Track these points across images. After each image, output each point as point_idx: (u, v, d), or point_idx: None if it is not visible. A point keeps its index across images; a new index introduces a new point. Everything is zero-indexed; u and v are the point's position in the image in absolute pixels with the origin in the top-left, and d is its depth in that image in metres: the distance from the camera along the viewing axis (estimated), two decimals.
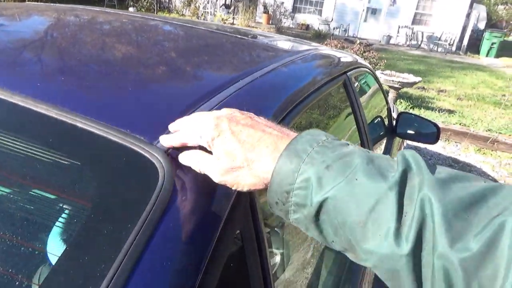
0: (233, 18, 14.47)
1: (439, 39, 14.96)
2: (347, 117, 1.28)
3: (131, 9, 12.44)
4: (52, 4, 1.27)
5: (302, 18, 16.45)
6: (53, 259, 0.41)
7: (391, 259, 0.36)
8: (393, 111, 2.25)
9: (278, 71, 0.83)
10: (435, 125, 1.93)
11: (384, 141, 1.85)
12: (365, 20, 16.00)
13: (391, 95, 5.71)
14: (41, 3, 1.27)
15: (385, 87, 5.45)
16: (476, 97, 7.47)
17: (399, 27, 15.47)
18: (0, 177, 0.51)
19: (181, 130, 0.48)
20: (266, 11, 15.72)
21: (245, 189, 0.45)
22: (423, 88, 7.60)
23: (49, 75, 0.63)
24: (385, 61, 6.87)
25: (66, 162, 0.49)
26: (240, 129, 0.45)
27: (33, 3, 1.30)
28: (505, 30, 18.19)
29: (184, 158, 0.47)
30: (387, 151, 1.83)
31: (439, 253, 0.33)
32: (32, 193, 0.49)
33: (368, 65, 1.71)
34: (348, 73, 1.25)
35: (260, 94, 0.70)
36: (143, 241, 0.39)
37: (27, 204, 0.47)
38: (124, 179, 0.45)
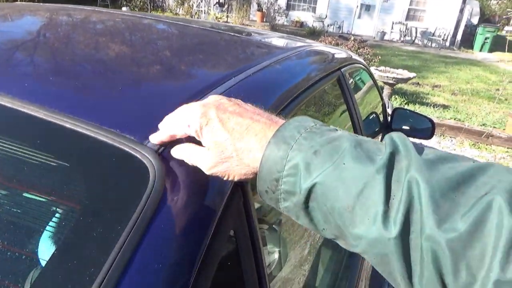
0: (227, 16, 14.43)
1: (433, 35, 15.01)
2: (341, 114, 1.28)
3: (124, 8, 12.38)
4: (43, 4, 1.26)
5: (296, 15, 16.45)
6: (44, 263, 0.41)
7: (379, 243, 0.35)
8: (388, 107, 2.25)
9: (271, 68, 0.82)
10: (430, 120, 1.93)
11: (379, 137, 1.85)
12: (359, 17, 16.02)
13: (386, 91, 5.72)
14: (32, 3, 1.26)
15: (380, 83, 5.46)
16: (470, 92, 7.52)
17: (393, 23, 15.51)
18: None
19: (169, 123, 0.48)
20: (260, 9, 15.70)
21: (236, 178, 0.45)
22: (418, 83, 7.63)
23: (38, 75, 0.62)
24: (380, 57, 6.89)
25: (55, 164, 0.49)
26: (228, 117, 0.44)
27: (24, 3, 1.29)
28: (498, 25, 18.32)
29: (176, 152, 0.47)
30: None
31: (426, 234, 0.33)
32: (20, 196, 0.48)
33: (362, 61, 1.71)
34: (342, 69, 1.24)
35: (254, 91, 0.69)
36: (135, 242, 0.38)
37: (14, 208, 0.46)
38: (115, 180, 0.45)
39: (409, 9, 15.40)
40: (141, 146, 0.46)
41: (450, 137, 5.02)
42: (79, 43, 0.83)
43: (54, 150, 0.49)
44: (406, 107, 5.73)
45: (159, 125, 0.49)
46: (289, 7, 16.70)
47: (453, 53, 13.76)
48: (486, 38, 14.72)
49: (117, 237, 0.38)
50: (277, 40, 1.32)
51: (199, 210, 0.45)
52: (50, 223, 0.45)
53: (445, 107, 6.16)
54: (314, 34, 13.30)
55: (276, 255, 0.78)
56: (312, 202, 0.39)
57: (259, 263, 0.56)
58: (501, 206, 0.31)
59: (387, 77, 5.58)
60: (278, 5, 16.22)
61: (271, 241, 0.78)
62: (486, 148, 4.80)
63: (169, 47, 0.94)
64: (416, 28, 15.18)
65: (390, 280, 0.38)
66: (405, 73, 5.90)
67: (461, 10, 14.74)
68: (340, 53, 1.43)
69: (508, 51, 6.86)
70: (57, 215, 0.45)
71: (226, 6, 15.03)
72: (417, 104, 6.05)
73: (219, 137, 0.43)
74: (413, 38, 15.31)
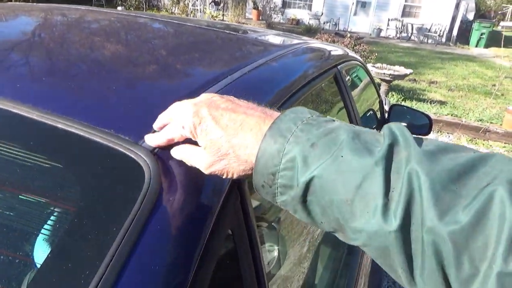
0: (223, 15, 14.41)
1: (429, 31, 15.04)
2: (339, 111, 1.27)
3: (119, 7, 12.33)
4: (36, 3, 1.25)
5: (292, 13, 16.44)
6: (39, 265, 0.40)
7: (380, 236, 0.35)
8: (385, 104, 2.25)
9: (267, 66, 0.81)
10: (427, 116, 1.93)
11: None
12: (355, 14, 16.03)
13: (383, 88, 5.73)
14: (25, 3, 1.25)
15: (377, 80, 5.47)
16: (467, 88, 7.53)
17: (389, 19, 15.53)
18: None
19: (165, 127, 0.47)
20: (256, 7, 15.68)
21: (235, 176, 0.44)
22: (414, 80, 7.64)
23: (31, 76, 0.61)
24: (376, 54, 6.90)
25: (48, 165, 0.48)
26: (221, 114, 0.43)
27: (17, 3, 1.28)
28: (494, 20, 18.36)
29: (175, 154, 0.46)
30: None
31: (427, 227, 0.32)
32: (13, 198, 0.47)
33: (359, 58, 1.70)
34: (339, 67, 1.24)
35: (249, 89, 0.69)
36: (131, 243, 0.37)
37: (8, 210, 0.46)
38: (110, 181, 0.44)
39: (404, 5, 15.43)
40: (136, 146, 0.46)
41: (448, 133, 5.03)
42: (73, 43, 0.83)
43: (47, 151, 0.48)
44: (403, 103, 5.73)
45: (154, 125, 0.48)
46: (285, 4, 16.69)
47: (449, 49, 13.79)
48: (482, 34, 14.76)
49: (113, 239, 0.37)
50: (273, 38, 1.32)
51: (196, 210, 0.45)
52: (45, 225, 0.44)
53: (442, 103, 6.17)
54: (310, 31, 13.29)
55: (275, 253, 0.78)
56: (310, 196, 0.38)
57: (257, 262, 0.55)
58: (503, 197, 0.31)
59: (384, 74, 5.58)
60: (274, 3, 16.20)
61: (270, 239, 0.77)
62: (483, 144, 4.81)
63: (164, 46, 0.94)
64: (412, 25, 15.20)
65: (390, 273, 0.37)
66: (402, 70, 5.91)
67: (457, 6, 14.77)
68: (336, 50, 1.42)
69: (504, 47, 6.87)
70: (51, 217, 0.45)
71: (221, 4, 14.99)
72: (414, 100, 6.06)
73: (214, 135, 0.42)
74: (409, 35, 15.33)
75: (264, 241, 0.74)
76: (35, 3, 1.26)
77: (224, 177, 0.45)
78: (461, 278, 0.31)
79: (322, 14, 15.93)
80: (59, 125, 0.47)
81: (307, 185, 0.38)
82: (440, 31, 14.89)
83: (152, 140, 0.47)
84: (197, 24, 1.28)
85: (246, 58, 0.92)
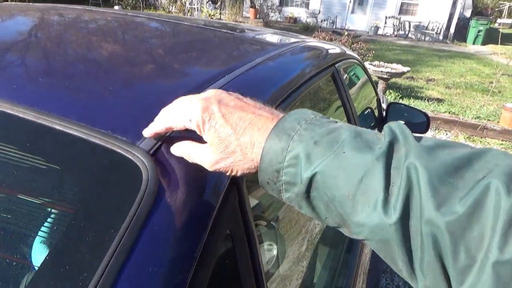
0: (220, 14, 14.38)
1: (426, 28, 15.05)
2: (336, 109, 1.27)
3: (116, 7, 12.29)
4: (33, 3, 1.24)
5: (290, 11, 16.43)
6: (37, 267, 0.40)
7: (381, 229, 0.36)
8: (383, 102, 2.25)
9: (265, 65, 0.81)
10: (425, 114, 1.94)
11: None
12: (352, 12, 16.02)
13: (380, 86, 5.74)
14: (22, 3, 1.24)
15: (374, 78, 5.47)
16: (464, 85, 7.55)
17: (386, 17, 15.53)
18: None
19: (166, 115, 0.47)
20: (253, 5, 15.66)
21: (239, 173, 0.44)
22: (412, 78, 7.65)
23: (27, 76, 0.61)
24: (374, 52, 6.90)
25: (45, 167, 0.48)
26: (231, 111, 0.44)
27: (13, 3, 1.27)
28: (491, 17, 18.39)
29: (175, 150, 0.46)
30: None
31: (426, 219, 0.33)
32: (11, 200, 0.47)
33: (356, 56, 1.70)
34: (337, 65, 1.24)
35: (247, 88, 0.68)
36: (129, 245, 0.37)
37: (4, 213, 0.46)
38: (107, 182, 0.44)
39: (402, 3, 15.43)
40: (133, 147, 0.45)
41: (445, 130, 5.05)
42: (70, 43, 0.82)
43: (44, 152, 0.48)
44: (400, 101, 5.74)
45: (156, 119, 0.48)
46: (282, 3, 16.67)
47: (446, 47, 13.80)
48: (479, 31, 14.78)
49: (111, 240, 0.37)
50: (271, 37, 1.31)
51: (194, 210, 0.45)
52: (42, 227, 0.44)
53: (439, 100, 6.18)
54: (307, 29, 13.29)
55: (274, 252, 0.78)
56: (314, 192, 0.39)
57: (256, 261, 0.55)
58: (498, 188, 0.31)
59: (382, 71, 5.59)
60: (271, 1, 16.18)
61: (268, 239, 0.77)
62: (480, 141, 4.83)
63: (161, 46, 0.93)
64: (409, 22, 15.21)
65: (392, 265, 0.38)
66: (399, 68, 5.92)
67: (454, 3, 14.78)
68: (333, 48, 1.42)
69: (501, 44, 6.89)
70: (48, 219, 0.45)
71: (219, 3, 14.97)
72: (411, 98, 6.06)
73: (223, 132, 0.43)
74: (407, 32, 15.34)
75: (263, 240, 0.74)
76: (31, 3, 1.25)
77: (227, 174, 0.45)
78: (458, 267, 0.32)
79: (319, 12, 15.92)
80: (56, 126, 0.47)
81: (310, 181, 0.39)
82: (438, 28, 14.90)
83: (150, 128, 0.46)
84: (194, 23, 1.27)
85: (243, 57, 0.91)
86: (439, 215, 0.32)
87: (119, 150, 0.45)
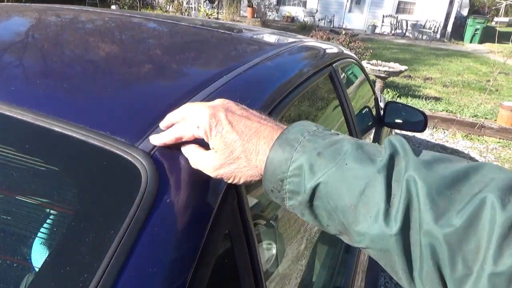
0: (218, 13, 14.37)
1: (424, 27, 15.07)
2: (334, 109, 1.28)
3: (113, 6, 12.25)
4: (29, 4, 1.24)
5: (287, 10, 16.42)
6: (37, 268, 0.40)
7: (381, 239, 0.37)
8: (381, 101, 2.26)
9: (263, 65, 0.81)
10: (422, 113, 1.94)
11: (373, 131, 1.86)
12: (349, 11, 16.03)
13: (378, 84, 5.74)
14: (19, 4, 1.24)
15: (372, 77, 5.48)
16: (461, 84, 7.56)
17: (383, 16, 15.55)
18: None
19: (175, 125, 0.48)
20: (250, 4, 15.64)
21: (241, 181, 0.46)
22: (409, 76, 7.66)
23: (25, 77, 0.61)
24: (371, 51, 6.90)
25: (44, 169, 0.48)
26: (237, 119, 0.45)
27: (10, 3, 1.27)
28: (488, 16, 18.43)
29: (185, 151, 0.48)
30: (376, 141, 1.83)
31: (424, 230, 0.35)
32: (9, 202, 0.47)
33: (353, 55, 1.71)
34: (334, 65, 1.24)
35: (245, 89, 0.69)
36: (129, 246, 0.38)
37: (4, 214, 0.46)
38: (106, 184, 0.44)
39: (399, 1, 15.45)
40: (132, 148, 0.46)
41: (443, 129, 5.05)
42: (67, 44, 0.82)
43: (43, 154, 0.48)
44: (398, 100, 5.75)
45: (161, 124, 0.49)
46: (279, 2, 16.66)
47: (443, 45, 13.83)
48: (476, 30, 14.81)
49: (110, 241, 0.38)
50: (268, 37, 1.31)
51: (193, 211, 0.45)
52: (43, 229, 0.44)
53: (437, 99, 6.19)
54: (305, 28, 13.29)
55: (273, 251, 0.78)
56: (317, 201, 0.41)
57: (255, 261, 0.56)
58: (493, 202, 0.33)
59: (379, 70, 5.59)
60: (269, 0, 16.17)
61: (267, 238, 0.77)
62: (478, 139, 4.84)
63: (159, 46, 0.93)
64: (406, 21, 15.23)
65: (392, 274, 0.40)
66: (397, 66, 5.92)
67: (451, 2, 14.81)
68: (331, 48, 1.43)
69: (498, 42, 6.92)
70: (49, 220, 0.45)
71: (216, 2, 14.95)
72: (409, 97, 6.07)
73: (229, 138, 0.44)
74: (404, 31, 15.36)
75: (262, 240, 0.74)
76: (28, 4, 1.25)
77: (230, 181, 0.46)
78: (455, 278, 0.33)
79: (317, 11, 15.92)
80: (55, 128, 0.47)
81: (314, 191, 0.40)
82: (435, 27, 14.93)
83: (158, 138, 0.47)
84: (192, 23, 1.27)
85: (241, 57, 0.92)
86: (437, 228, 0.34)
87: (118, 152, 0.45)
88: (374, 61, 6.00)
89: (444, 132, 4.99)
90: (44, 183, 0.47)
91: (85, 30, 0.99)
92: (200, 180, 0.47)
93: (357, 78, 1.81)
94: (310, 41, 1.33)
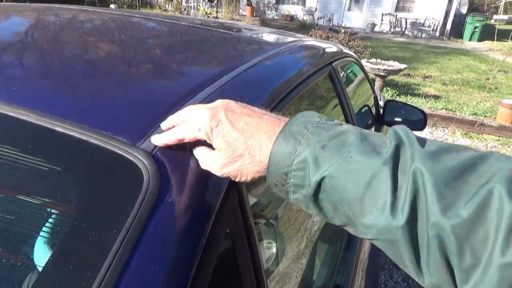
0: (217, 12, 14.35)
1: (423, 25, 15.06)
2: (334, 108, 1.28)
3: (112, 5, 12.24)
4: (28, 4, 1.24)
5: (286, 9, 16.41)
6: (39, 268, 0.40)
7: (388, 231, 0.37)
8: (380, 100, 2.26)
9: (263, 65, 0.82)
10: (422, 111, 1.94)
11: (372, 130, 1.86)
12: (349, 9, 16.02)
13: (378, 83, 5.74)
14: (17, 3, 1.24)
15: (371, 76, 5.48)
16: (461, 82, 7.56)
17: (382, 14, 15.53)
18: None
19: (176, 126, 0.48)
20: (249, 3, 15.62)
21: (248, 178, 0.46)
22: (409, 75, 7.66)
23: (27, 78, 0.61)
24: (370, 49, 6.89)
25: (46, 169, 0.48)
26: (237, 118, 0.45)
27: (9, 3, 1.27)
28: (487, 14, 18.42)
29: (195, 152, 0.48)
30: None
31: (432, 222, 0.35)
32: (12, 201, 0.47)
33: (353, 54, 1.71)
34: (333, 64, 1.24)
35: (245, 89, 0.69)
36: (131, 245, 0.38)
37: (6, 214, 0.46)
38: (108, 183, 0.44)
39: (398, 0, 15.43)
40: (134, 148, 0.46)
41: (442, 127, 5.06)
42: (68, 43, 0.82)
43: (45, 154, 0.49)
44: (398, 98, 5.75)
45: (162, 125, 0.49)
46: (278, 0, 16.65)
47: (443, 43, 13.82)
48: (475, 27, 14.80)
49: (113, 241, 0.38)
50: (268, 36, 1.32)
51: (195, 210, 0.45)
52: (45, 229, 0.44)
53: (436, 97, 6.19)
54: (304, 27, 13.27)
55: (274, 250, 0.78)
56: (322, 194, 0.41)
57: (256, 259, 0.56)
58: (501, 193, 0.33)
59: (378, 69, 5.59)
60: None
61: (268, 237, 0.78)
62: (477, 137, 4.84)
63: (159, 46, 0.94)
64: (406, 19, 15.22)
65: (398, 263, 0.40)
66: (396, 65, 5.92)
67: (450, 0, 14.79)
68: (330, 47, 1.43)
69: (497, 40, 6.91)
70: (52, 220, 0.45)
71: (215, 1, 14.93)
72: (408, 95, 6.07)
73: (230, 136, 0.44)
74: (403, 29, 15.35)
75: (263, 238, 0.74)
76: (26, 3, 1.25)
77: (237, 179, 0.46)
78: (463, 267, 0.34)
79: (316, 9, 15.91)
80: (57, 128, 0.47)
81: (319, 185, 0.40)
82: (434, 25, 14.92)
83: (160, 138, 0.47)
84: (192, 23, 1.27)
85: (241, 57, 0.92)
86: (445, 219, 0.34)
87: (120, 152, 0.45)
88: (373, 60, 6.00)
89: (444, 130, 4.99)
90: (47, 183, 0.48)
91: (85, 30, 0.99)
92: (202, 180, 0.48)
93: (356, 77, 1.81)
94: (309, 40, 1.33)
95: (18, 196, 0.47)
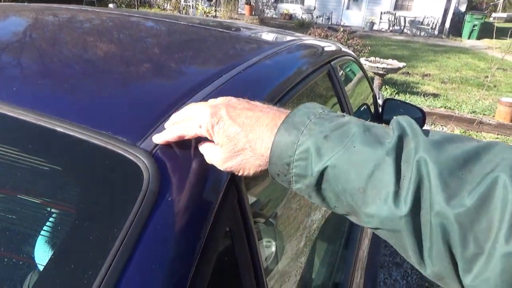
0: (216, 11, 14.33)
1: (422, 24, 15.06)
2: (333, 107, 1.28)
3: (111, 5, 12.22)
4: (27, 3, 1.24)
5: (285, 7, 16.39)
6: (40, 267, 0.41)
7: (391, 221, 0.37)
8: (379, 98, 2.26)
9: (261, 64, 0.82)
10: (420, 110, 1.95)
11: None
12: (347, 8, 16.01)
13: (376, 81, 5.74)
14: (16, 3, 1.24)
15: (370, 74, 5.48)
16: (459, 80, 7.57)
17: (381, 13, 15.52)
18: None
19: (178, 124, 0.48)
20: (248, 2, 15.61)
21: (251, 172, 0.46)
22: (408, 73, 7.66)
23: (26, 78, 0.61)
24: (369, 48, 6.89)
25: (47, 168, 0.48)
26: (238, 113, 0.45)
27: (7, 3, 1.27)
28: (486, 12, 18.42)
29: (200, 148, 0.48)
30: None
31: (436, 211, 0.35)
32: (12, 201, 0.47)
33: (352, 53, 1.71)
34: (332, 62, 1.24)
35: (244, 88, 0.69)
36: (132, 244, 0.38)
37: (7, 214, 0.46)
38: (109, 183, 0.45)
39: None
40: (134, 147, 0.46)
41: (441, 125, 5.06)
42: (67, 43, 0.82)
43: (45, 154, 0.49)
44: (396, 97, 5.75)
45: (166, 125, 0.50)
46: None
47: (441, 41, 13.82)
48: (474, 26, 14.80)
49: (113, 240, 0.38)
50: (267, 35, 1.32)
51: (194, 209, 0.46)
52: (46, 228, 0.44)
53: (435, 95, 6.20)
54: (303, 26, 13.26)
55: (273, 248, 0.79)
56: (324, 184, 0.41)
57: (255, 258, 0.56)
58: (505, 182, 0.33)
59: (377, 67, 5.59)
60: None
61: (267, 235, 0.78)
62: (476, 135, 4.85)
63: (159, 45, 0.94)
64: (404, 18, 15.22)
65: (401, 253, 0.40)
66: (395, 63, 5.92)
67: None
68: (329, 46, 1.43)
69: (496, 38, 6.92)
70: (52, 219, 0.45)
71: (214, 0, 14.91)
72: (407, 93, 6.08)
73: (231, 131, 0.44)
74: (402, 28, 15.35)
75: (262, 237, 0.75)
76: (25, 3, 1.25)
77: (240, 173, 0.46)
78: (466, 256, 0.34)
79: (314, 8, 15.90)
80: (57, 128, 0.47)
81: (321, 175, 0.40)
82: (433, 23, 14.92)
83: (160, 135, 0.48)
84: (191, 22, 1.28)
85: (240, 56, 0.92)
86: (449, 208, 0.34)
87: (120, 151, 0.45)
88: (372, 58, 6.01)
89: (443, 129, 5.00)
90: (47, 183, 0.48)
91: (84, 29, 0.99)
92: (201, 179, 0.48)
93: (355, 75, 1.81)
94: (308, 39, 1.33)
95: (19, 196, 0.47)
